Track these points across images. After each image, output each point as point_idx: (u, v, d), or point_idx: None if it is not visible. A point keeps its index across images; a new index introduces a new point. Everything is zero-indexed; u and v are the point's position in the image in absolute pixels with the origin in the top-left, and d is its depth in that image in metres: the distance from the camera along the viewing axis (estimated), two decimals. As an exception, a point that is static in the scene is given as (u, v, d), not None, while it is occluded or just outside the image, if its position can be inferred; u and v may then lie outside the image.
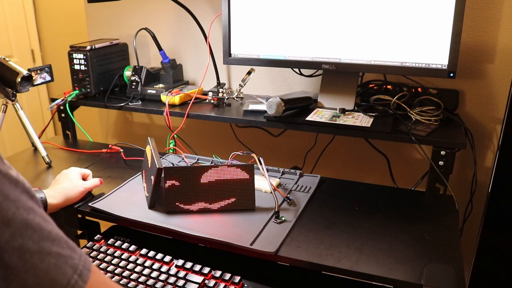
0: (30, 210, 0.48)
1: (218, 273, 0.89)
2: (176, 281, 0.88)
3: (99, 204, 1.05)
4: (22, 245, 0.46)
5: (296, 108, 1.28)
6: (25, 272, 0.46)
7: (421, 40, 1.12)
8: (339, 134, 1.29)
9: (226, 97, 1.40)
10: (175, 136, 1.41)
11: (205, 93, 1.45)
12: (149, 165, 1.08)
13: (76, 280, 0.49)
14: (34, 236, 0.47)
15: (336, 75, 1.29)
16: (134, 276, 0.90)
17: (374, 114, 1.22)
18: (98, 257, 0.96)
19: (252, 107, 1.34)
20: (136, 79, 1.49)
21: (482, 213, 1.16)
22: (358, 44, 1.19)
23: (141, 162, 1.25)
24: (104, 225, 1.11)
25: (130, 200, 1.08)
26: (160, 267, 0.91)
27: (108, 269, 0.93)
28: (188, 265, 0.91)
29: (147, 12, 1.67)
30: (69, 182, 1.06)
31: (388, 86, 1.32)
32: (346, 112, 1.25)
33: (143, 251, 0.97)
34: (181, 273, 0.89)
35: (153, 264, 0.93)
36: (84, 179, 1.12)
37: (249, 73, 1.37)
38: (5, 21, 2.45)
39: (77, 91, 1.52)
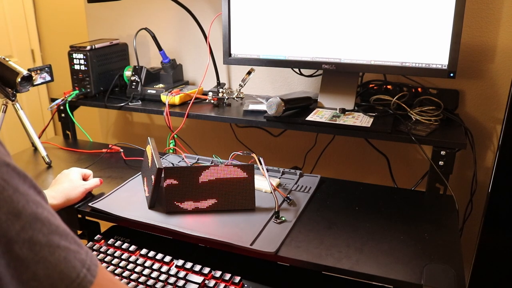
0: (38, 204, 0.49)
1: (218, 273, 0.89)
2: (176, 281, 0.88)
3: (99, 204, 1.05)
4: (32, 237, 0.46)
5: (296, 108, 1.28)
6: (35, 264, 0.46)
7: (421, 40, 1.12)
8: (339, 134, 1.29)
9: (226, 97, 1.40)
10: (175, 136, 1.41)
11: (205, 93, 1.45)
12: (149, 165, 1.08)
13: (85, 274, 0.49)
14: (44, 229, 0.48)
15: (336, 75, 1.29)
16: (134, 276, 0.90)
17: (374, 114, 1.22)
18: (98, 257, 0.96)
19: (252, 107, 1.34)
20: (136, 79, 1.49)
21: (482, 213, 1.15)
22: (358, 44, 1.19)
23: (141, 162, 1.25)
24: (104, 225, 1.11)
25: (130, 200, 1.08)
26: (160, 267, 0.91)
27: (108, 269, 0.93)
28: (188, 265, 0.91)
29: (147, 12, 1.67)
30: (69, 183, 1.06)
31: (388, 86, 1.32)
32: (346, 112, 1.25)
33: (143, 251, 0.97)
34: (181, 273, 0.89)
35: (153, 264, 0.93)
36: (85, 179, 1.12)
37: (249, 73, 1.37)
38: (5, 21, 2.45)
39: (77, 91, 1.52)
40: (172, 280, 0.88)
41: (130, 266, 0.93)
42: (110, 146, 1.39)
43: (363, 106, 1.30)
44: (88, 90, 1.52)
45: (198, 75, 1.65)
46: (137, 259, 0.94)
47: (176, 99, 1.40)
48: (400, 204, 1.06)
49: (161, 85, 1.51)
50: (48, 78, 1.40)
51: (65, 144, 1.49)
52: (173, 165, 1.26)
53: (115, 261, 0.95)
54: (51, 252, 0.48)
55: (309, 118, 1.22)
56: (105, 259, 0.95)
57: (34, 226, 0.47)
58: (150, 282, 0.88)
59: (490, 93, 1.28)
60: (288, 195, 1.07)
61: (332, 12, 1.20)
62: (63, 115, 1.56)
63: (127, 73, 1.57)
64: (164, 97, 1.41)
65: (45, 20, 2.65)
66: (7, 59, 1.27)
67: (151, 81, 1.53)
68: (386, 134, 1.13)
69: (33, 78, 1.29)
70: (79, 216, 1.08)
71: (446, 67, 1.12)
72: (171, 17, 1.63)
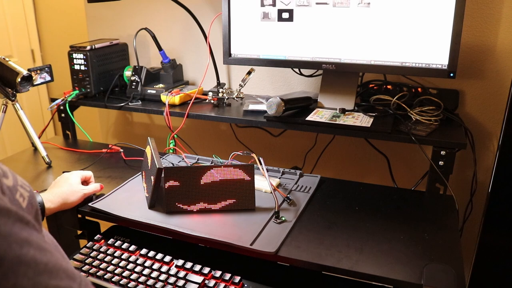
0: (24, 243, 0.45)
1: (218, 273, 0.89)
2: (176, 281, 0.88)
3: (99, 204, 1.05)
4: (16, 284, 0.42)
5: (296, 108, 1.28)
6: None
7: (421, 40, 1.12)
8: (339, 134, 1.29)
9: (226, 97, 1.40)
10: (175, 136, 1.41)
11: (205, 93, 1.45)
12: (149, 165, 1.08)
13: None
14: (29, 272, 0.44)
15: (336, 75, 1.29)
16: (134, 276, 0.90)
17: (374, 114, 1.22)
18: (98, 257, 0.96)
19: (252, 107, 1.34)
20: (136, 79, 1.49)
21: (482, 213, 1.15)
22: (358, 44, 1.19)
23: (141, 162, 1.25)
24: (104, 225, 1.11)
25: (130, 200, 1.08)
26: (160, 267, 0.91)
27: (108, 269, 0.93)
28: (188, 265, 0.91)
29: (147, 12, 1.67)
30: (68, 187, 1.04)
31: (388, 86, 1.32)
32: (346, 112, 1.25)
33: (143, 251, 0.97)
34: (181, 273, 0.89)
35: (153, 264, 0.93)
36: (85, 181, 1.12)
37: (249, 73, 1.37)
38: (5, 21, 2.45)
39: (77, 91, 1.52)
40: (172, 280, 0.88)
41: (130, 266, 0.93)
42: (110, 146, 1.39)
43: (363, 106, 1.30)
44: (88, 90, 1.52)
45: (198, 75, 1.65)
46: (137, 259, 0.94)
47: (176, 99, 1.40)
48: (400, 204, 1.06)
49: (161, 85, 1.51)
50: (48, 78, 1.40)
51: (65, 144, 1.49)
52: (173, 165, 1.26)
53: (115, 261, 0.95)
54: None
55: (309, 118, 1.22)
56: (105, 259, 0.95)
57: (18, 272, 0.43)
58: (150, 282, 0.88)
59: (490, 93, 1.28)
60: (288, 195, 1.07)
61: (332, 12, 1.20)
62: (63, 115, 1.56)
63: (127, 73, 1.57)
64: (164, 97, 1.41)
65: (45, 20, 2.65)
66: (7, 59, 1.27)
67: (151, 81, 1.53)
68: (386, 134, 1.13)
69: (33, 78, 1.29)
70: (79, 216, 1.08)
71: (446, 67, 1.12)
72: (171, 17, 1.63)
